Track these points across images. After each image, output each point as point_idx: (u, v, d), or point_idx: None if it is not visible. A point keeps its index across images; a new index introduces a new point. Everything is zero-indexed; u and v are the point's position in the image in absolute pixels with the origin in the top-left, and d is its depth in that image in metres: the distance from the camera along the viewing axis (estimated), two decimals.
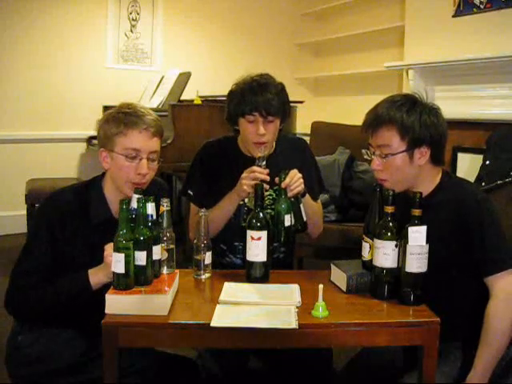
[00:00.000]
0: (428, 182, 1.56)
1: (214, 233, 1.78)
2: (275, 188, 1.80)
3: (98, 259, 1.45)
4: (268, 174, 1.71)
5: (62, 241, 1.53)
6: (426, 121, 1.50)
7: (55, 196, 1.62)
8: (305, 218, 1.74)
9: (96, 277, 1.46)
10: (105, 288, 1.41)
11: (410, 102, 1.53)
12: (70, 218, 1.55)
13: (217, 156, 1.94)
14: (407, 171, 1.52)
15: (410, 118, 1.49)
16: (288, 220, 1.68)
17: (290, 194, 1.69)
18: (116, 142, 1.56)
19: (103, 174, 1.66)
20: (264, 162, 1.74)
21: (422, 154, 1.51)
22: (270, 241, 1.59)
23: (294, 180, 1.69)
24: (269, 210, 1.79)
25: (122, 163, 1.55)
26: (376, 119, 1.53)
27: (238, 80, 1.87)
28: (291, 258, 2.06)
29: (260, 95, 1.76)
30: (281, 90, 1.84)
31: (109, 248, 1.41)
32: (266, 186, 1.69)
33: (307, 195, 1.82)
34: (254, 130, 1.79)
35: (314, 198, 1.93)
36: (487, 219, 1.46)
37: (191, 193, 1.95)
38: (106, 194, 1.62)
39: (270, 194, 1.86)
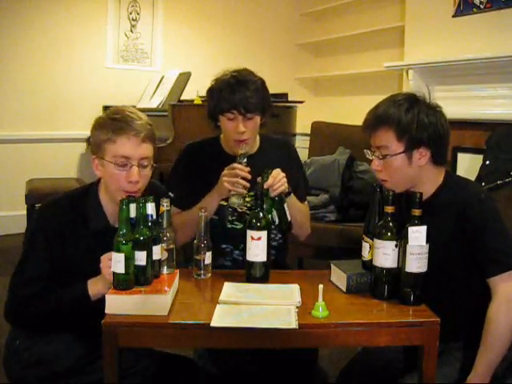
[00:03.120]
0: (430, 182, 1.54)
1: (193, 233, 1.71)
2: (255, 191, 1.72)
3: (96, 268, 1.44)
4: (249, 172, 1.69)
5: (60, 251, 1.50)
6: (424, 121, 1.48)
7: (51, 205, 1.59)
8: (289, 218, 1.73)
9: (95, 288, 1.45)
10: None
11: (410, 102, 1.50)
12: (68, 227, 1.52)
13: (198, 157, 1.92)
14: (407, 172, 1.51)
15: (407, 118, 1.47)
16: (269, 220, 1.65)
17: (272, 194, 1.68)
18: (105, 149, 1.52)
19: (99, 180, 1.62)
20: (245, 160, 1.72)
21: (422, 155, 1.50)
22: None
23: (278, 180, 1.68)
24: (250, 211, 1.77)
25: (111, 171, 1.51)
26: (374, 119, 1.52)
27: (217, 76, 1.85)
28: (284, 258, 2.02)
29: (238, 92, 1.74)
30: (260, 85, 1.81)
31: (105, 259, 1.40)
32: (247, 185, 1.68)
33: (292, 195, 1.80)
34: (234, 128, 1.77)
35: (300, 199, 1.91)
36: (490, 220, 1.45)
37: (171, 195, 1.90)
38: (102, 202, 1.59)
39: (252, 195, 1.81)
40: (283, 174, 1.71)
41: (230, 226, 1.86)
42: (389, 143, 1.49)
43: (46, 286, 1.48)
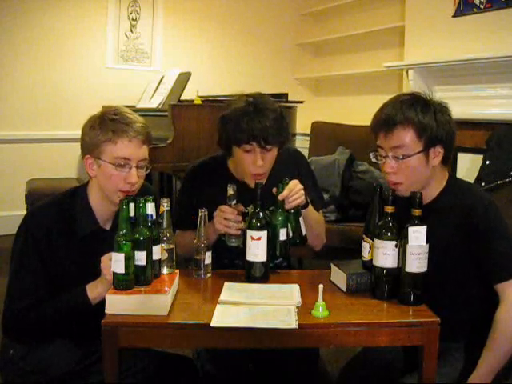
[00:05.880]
0: (436, 184, 1.53)
1: (189, 253, 1.67)
2: (254, 194, 1.62)
3: (90, 272, 1.43)
4: (242, 211, 1.64)
5: (50, 259, 1.48)
6: (441, 119, 1.47)
7: (37, 213, 1.56)
8: (304, 232, 1.67)
9: (95, 291, 1.42)
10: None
11: (422, 101, 1.49)
12: (56, 234, 1.49)
13: (203, 181, 1.83)
14: (422, 172, 1.49)
15: (426, 116, 1.45)
16: (284, 234, 1.62)
17: (287, 207, 1.62)
18: (104, 149, 1.50)
19: (87, 182, 1.60)
20: (234, 201, 1.65)
21: (436, 154, 1.48)
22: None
23: (294, 192, 1.61)
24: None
25: (110, 172, 1.49)
26: (389, 119, 1.47)
27: (229, 100, 1.72)
28: (290, 260, 2.01)
29: (258, 123, 1.61)
30: (280, 114, 1.69)
31: (105, 260, 1.39)
32: (239, 226, 1.63)
33: (310, 206, 1.74)
34: (251, 161, 1.66)
35: (315, 209, 1.84)
36: (495, 225, 1.45)
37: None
38: (91, 204, 1.55)
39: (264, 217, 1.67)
40: (301, 186, 1.63)
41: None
42: (408, 142, 1.46)
43: (42, 295, 1.45)
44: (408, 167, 1.47)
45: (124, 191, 1.50)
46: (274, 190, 1.63)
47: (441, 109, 1.49)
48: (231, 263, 1.86)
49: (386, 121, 1.48)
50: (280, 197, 1.61)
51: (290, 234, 1.65)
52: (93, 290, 1.43)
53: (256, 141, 1.63)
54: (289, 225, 1.64)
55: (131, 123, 1.51)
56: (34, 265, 1.47)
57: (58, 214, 1.53)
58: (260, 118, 1.62)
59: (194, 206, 1.75)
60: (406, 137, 1.46)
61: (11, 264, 1.51)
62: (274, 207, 1.64)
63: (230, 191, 1.66)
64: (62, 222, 1.52)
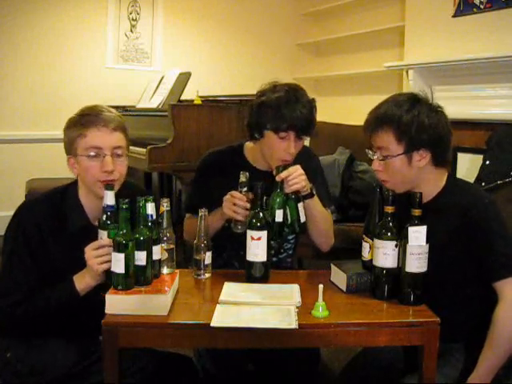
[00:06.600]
0: (432, 184, 1.53)
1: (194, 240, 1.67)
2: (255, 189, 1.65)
3: (81, 268, 1.43)
4: (251, 199, 1.64)
5: (41, 255, 1.49)
6: (424, 122, 1.46)
7: (29, 208, 1.57)
8: (303, 219, 1.68)
9: (82, 282, 1.43)
10: (93, 295, 1.42)
11: (411, 103, 1.49)
12: (47, 230, 1.51)
13: (218, 167, 1.86)
14: (406, 173, 1.50)
15: (407, 119, 1.46)
16: (280, 216, 1.63)
17: (287, 190, 1.64)
18: (78, 144, 1.52)
19: (77, 180, 1.62)
20: (245, 188, 1.66)
21: (422, 157, 1.48)
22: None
23: (293, 176, 1.63)
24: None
25: (85, 164, 1.51)
26: (375, 120, 1.52)
27: (264, 88, 1.76)
28: (294, 262, 2.01)
29: (299, 112, 1.67)
30: (314, 105, 1.76)
31: (89, 250, 1.39)
32: (246, 213, 1.63)
33: (316, 198, 1.75)
34: (284, 147, 1.69)
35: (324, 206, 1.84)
36: (495, 224, 1.45)
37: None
38: (81, 201, 1.58)
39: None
40: (301, 172, 1.65)
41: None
42: (389, 144, 1.49)
43: (31, 291, 1.45)
44: (391, 167, 1.51)
45: (102, 181, 1.51)
46: (275, 172, 1.65)
47: (429, 111, 1.48)
48: (236, 254, 1.86)
49: (371, 121, 1.53)
50: (278, 178, 1.63)
51: (289, 219, 1.66)
52: (80, 281, 1.44)
53: (294, 130, 1.68)
54: (288, 209, 1.66)
55: (99, 114, 1.54)
56: (25, 261, 1.48)
57: (50, 211, 1.54)
58: (301, 108, 1.68)
59: (206, 191, 1.81)
60: (387, 139, 1.49)
61: (1, 260, 1.52)
62: (274, 189, 1.66)
63: (242, 178, 1.68)
64: (52, 219, 1.53)
